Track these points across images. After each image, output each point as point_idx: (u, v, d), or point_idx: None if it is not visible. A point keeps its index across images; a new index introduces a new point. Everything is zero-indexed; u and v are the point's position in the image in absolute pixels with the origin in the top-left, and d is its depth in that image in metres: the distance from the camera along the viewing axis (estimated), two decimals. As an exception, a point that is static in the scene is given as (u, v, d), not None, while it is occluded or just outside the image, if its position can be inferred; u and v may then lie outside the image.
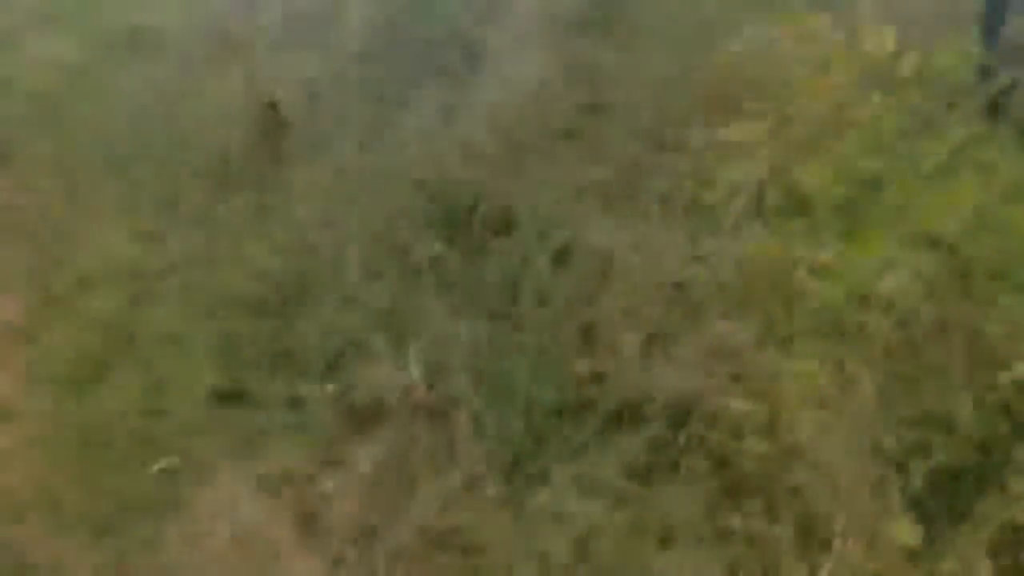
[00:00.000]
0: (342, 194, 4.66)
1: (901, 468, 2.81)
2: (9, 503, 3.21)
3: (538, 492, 3.13)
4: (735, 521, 2.88)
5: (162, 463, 3.35)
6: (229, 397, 3.78)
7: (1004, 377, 2.74)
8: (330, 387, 3.70)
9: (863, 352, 2.99)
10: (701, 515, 2.93)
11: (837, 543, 2.29)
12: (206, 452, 3.46)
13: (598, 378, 3.63)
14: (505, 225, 4.46)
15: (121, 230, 4.98)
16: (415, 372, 3.57)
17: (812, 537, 2.68)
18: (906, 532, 2.03)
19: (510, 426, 3.40)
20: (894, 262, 2.60)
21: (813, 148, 3.81)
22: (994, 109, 3.85)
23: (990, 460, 2.81)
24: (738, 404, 2.82)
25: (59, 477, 3.29)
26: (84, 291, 4.37)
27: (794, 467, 2.86)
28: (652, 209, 4.52)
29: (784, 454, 2.88)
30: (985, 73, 4.00)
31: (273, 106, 5.33)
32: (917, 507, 2.60)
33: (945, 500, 2.73)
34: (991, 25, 4.15)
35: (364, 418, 3.55)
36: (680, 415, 3.37)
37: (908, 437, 2.85)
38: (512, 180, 4.72)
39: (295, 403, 3.70)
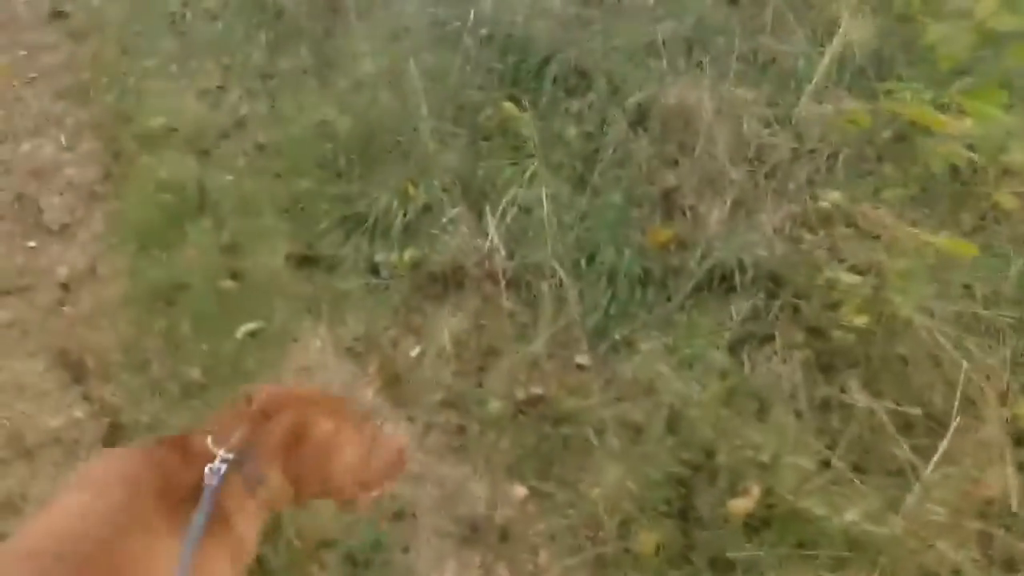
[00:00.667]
0: (406, 49, 4.43)
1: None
2: (100, 362, 3.21)
3: (626, 362, 3.06)
4: (832, 393, 2.80)
5: (248, 326, 3.31)
6: (305, 261, 3.71)
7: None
8: (408, 253, 3.61)
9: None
10: (797, 387, 2.86)
11: (954, 423, 2.20)
12: (288, 316, 3.41)
13: (682, 245, 3.51)
14: (579, 84, 4.25)
15: (182, 86, 4.82)
16: (495, 239, 3.46)
17: (915, 414, 2.60)
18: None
19: (594, 294, 3.30)
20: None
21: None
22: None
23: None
24: (841, 275, 2.67)
25: (147, 339, 3.27)
26: (152, 149, 4.26)
27: (896, 340, 2.75)
28: (730, 66, 4.28)
29: (885, 327, 2.76)
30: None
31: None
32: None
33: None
34: None
35: (444, 285, 3.48)
36: (772, 285, 3.26)
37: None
38: (583, 34, 4.47)
39: (373, 268, 3.62)
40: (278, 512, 1.99)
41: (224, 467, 1.69)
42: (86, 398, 3.11)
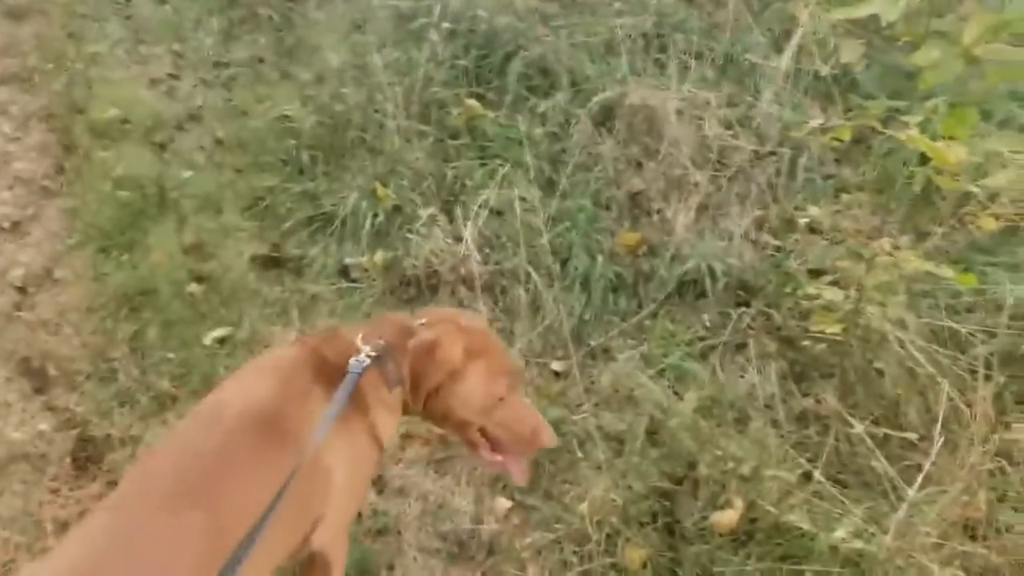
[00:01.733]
0: (369, 43, 4.29)
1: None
2: (64, 371, 3.04)
3: (604, 370, 3.02)
4: (809, 405, 2.81)
5: (217, 332, 3.17)
6: (272, 263, 3.57)
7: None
8: (379, 255, 3.50)
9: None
10: (774, 398, 2.86)
11: (937, 443, 2.21)
12: (257, 321, 3.28)
13: (651, 250, 3.48)
14: (542, 82, 4.17)
15: (133, 74, 4.60)
16: (469, 243, 3.38)
17: (892, 425, 2.62)
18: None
19: (568, 300, 3.25)
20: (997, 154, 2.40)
21: None
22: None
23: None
24: (823, 291, 2.67)
25: (112, 346, 3.10)
26: (106, 142, 4.04)
27: (870, 352, 2.77)
28: (690, 65, 4.25)
29: (859, 339, 2.77)
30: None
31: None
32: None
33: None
34: None
35: (417, 289, 3.38)
36: (743, 293, 3.25)
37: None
38: (544, 30, 4.38)
39: (343, 271, 3.51)
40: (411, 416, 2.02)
41: (367, 361, 1.85)
42: (50, 409, 2.95)
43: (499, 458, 2.03)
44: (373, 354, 1.87)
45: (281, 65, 4.56)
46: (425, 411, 1.98)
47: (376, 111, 4.00)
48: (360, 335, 1.92)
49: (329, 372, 1.84)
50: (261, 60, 4.68)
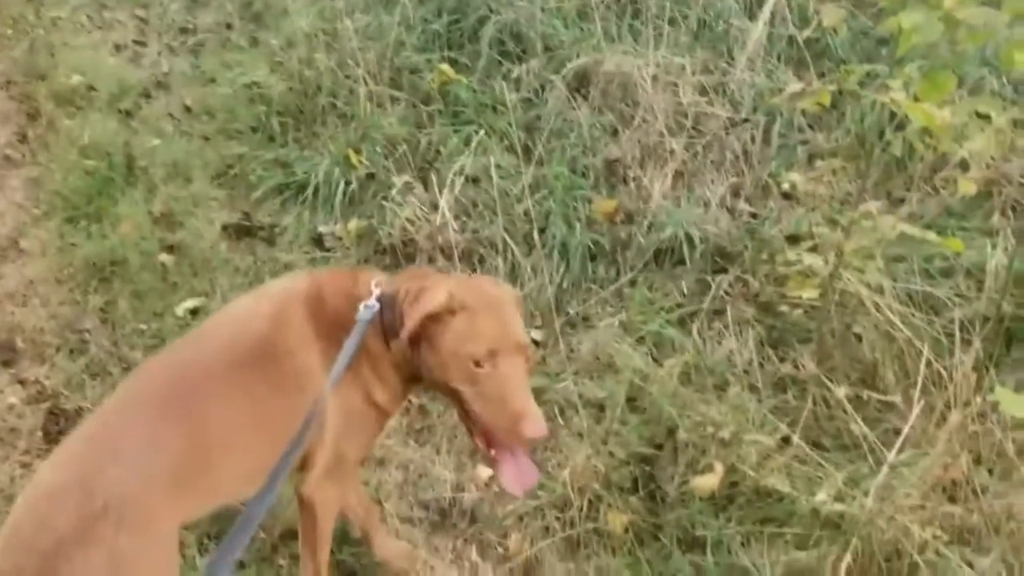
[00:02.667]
0: (340, 7, 4.18)
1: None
2: (33, 344, 2.96)
3: (584, 338, 3.00)
4: (787, 370, 2.81)
5: (189, 303, 3.10)
6: (244, 232, 3.49)
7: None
8: (353, 223, 3.44)
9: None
10: (751, 363, 2.86)
11: (916, 407, 2.22)
12: (230, 291, 3.21)
13: (629, 218, 3.45)
14: (515, 48, 4.09)
15: (96, 40, 4.46)
16: (445, 211, 3.32)
17: (870, 389, 2.63)
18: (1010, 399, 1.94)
19: (547, 268, 3.22)
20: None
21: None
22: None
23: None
24: (804, 256, 2.65)
25: (82, 318, 3.02)
26: (72, 110, 3.92)
27: (846, 317, 2.77)
28: (663, 31, 4.19)
29: (836, 304, 2.77)
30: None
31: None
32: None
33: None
34: None
35: (393, 257, 3.33)
36: (720, 260, 3.24)
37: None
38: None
39: (317, 239, 3.44)
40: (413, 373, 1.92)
41: (376, 307, 1.82)
42: (20, 382, 2.87)
43: (493, 451, 1.83)
44: (375, 305, 1.83)
45: (249, 30, 4.44)
46: (421, 370, 1.87)
47: (347, 77, 3.91)
48: (375, 280, 1.88)
49: (327, 312, 1.84)
50: (229, 26, 4.55)
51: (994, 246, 2.96)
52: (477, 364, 1.76)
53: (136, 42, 4.48)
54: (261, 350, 1.77)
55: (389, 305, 1.84)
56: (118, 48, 4.40)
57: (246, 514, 1.55)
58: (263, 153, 3.79)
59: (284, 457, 1.65)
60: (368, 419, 1.93)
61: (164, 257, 3.28)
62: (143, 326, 3.04)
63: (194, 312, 3.09)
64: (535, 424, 1.73)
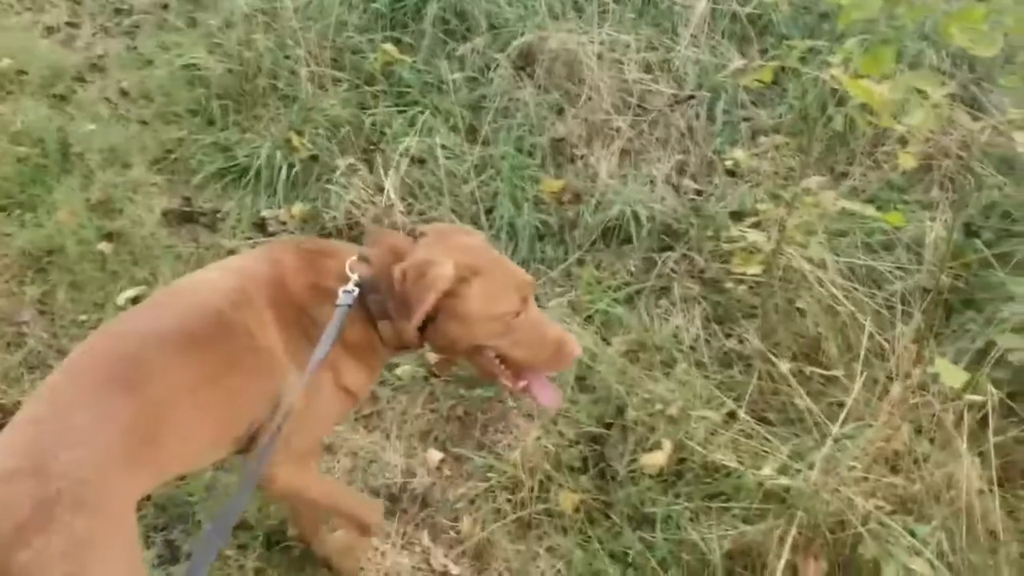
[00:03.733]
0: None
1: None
2: (-28, 337, 2.86)
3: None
4: (732, 345, 2.82)
5: (130, 292, 3.02)
6: (185, 218, 3.41)
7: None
8: (297, 207, 3.37)
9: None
10: (698, 339, 2.87)
11: (859, 379, 2.24)
12: (172, 278, 3.12)
13: (576, 197, 3.44)
14: (459, 26, 4.03)
15: (26, 22, 4.30)
16: (391, 193, 3.28)
17: (814, 363, 2.65)
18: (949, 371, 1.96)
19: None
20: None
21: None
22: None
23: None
24: (748, 233, 2.66)
25: (20, 310, 2.92)
26: (2, 95, 3.78)
27: (791, 291, 2.79)
28: (608, 7, 4.16)
29: (780, 279, 2.79)
30: None
31: None
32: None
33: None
34: None
35: (338, 240, 3.27)
36: (666, 238, 3.24)
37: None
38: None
39: (260, 224, 3.37)
40: (409, 350, 1.91)
41: (355, 293, 1.75)
42: (-46, 378, 2.77)
43: (523, 383, 1.89)
44: (353, 289, 1.76)
45: (186, 11, 4.32)
46: (430, 343, 1.85)
47: (288, 58, 3.83)
48: (350, 261, 1.80)
49: (290, 298, 1.78)
50: (165, 6, 4.43)
51: (933, 219, 2.99)
52: (516, 315, 1.80)
53: (69, 24, 4.33)
54: (217, 327, 1.70)
55: (372, 287, 1.78)
56: (50, 30, 4.25)
57: (227, 506, 1.55)
58: (203, 137, 3.70)
59: (268, 444, 1.65)
60: (334, 403, 1.90)
61: (103, 246, 3.19)
62: (83, 317, 2.95)
63: (135, 301, 3.01)
64: (574, 344, 1.85)
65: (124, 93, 3.95)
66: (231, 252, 3.25)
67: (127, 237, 3.26)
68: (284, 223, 3.34)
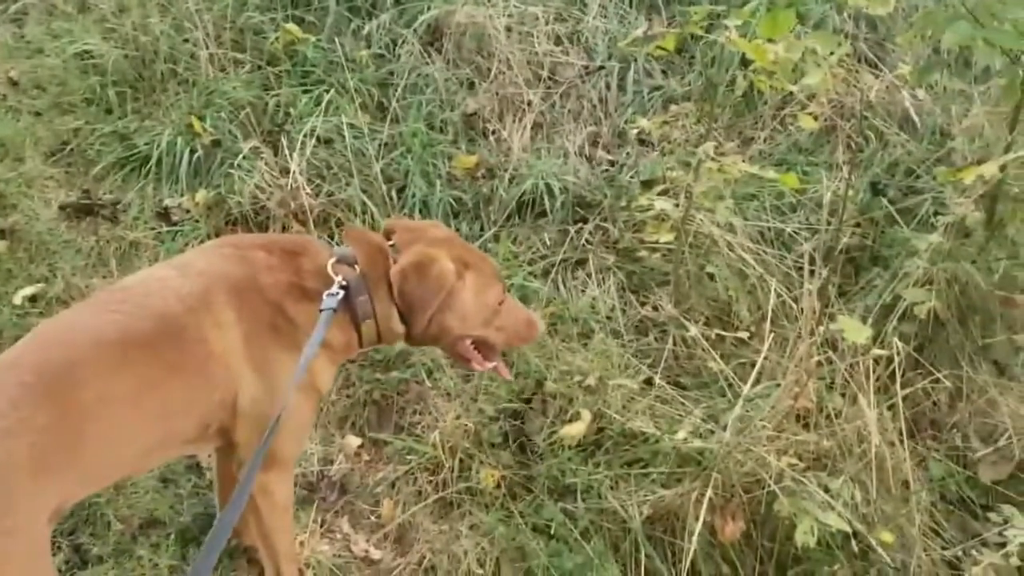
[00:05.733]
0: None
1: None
2: None
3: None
4: (647, 313, 2.84)
5: (27, 290, 2.91)
6: (84, 210, 3.29)
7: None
8: (200, 194, 3.28)
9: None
10: (614, 309, 2.88)
11: (768, 340, 2.28)
12: (72, 274, 3.03)
13: (490, 173, 3.41)
14: (364, 3, 3.96)
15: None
16: (297, 175, 3.21)
17: (725, 325, 2.69)
18: (851, 327, 2.00)
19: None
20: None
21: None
22: None
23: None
24: (656, 202, 2.68)
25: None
26: None
27: (701, 257, 2.82)
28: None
29: (691, 246, 2.81)
30: None
31: None
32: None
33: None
34: None
35: (246, 227, 3.20)
36: (580, 210, 3.24)
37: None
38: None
39: (163, 213, 3.28)
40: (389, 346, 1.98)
41: (340, 294, 1.74)
42: None
43: (492, 364, 1.99)
44: (338, 291, 1.75)
45: (77, -5, 4.15)
46: (414, 337, 1.88)
47: (186, 40, 3.71)
48: (331, 262, 1.78)
49: (261, 304, 1.73)
50: (55, -9, 4.24)
51: (839, 179, 3.05)
52: (501, 303, 1.92)
53: (-49, 12, 4.12)
54: (163, 331, 1.64)
55: (358, 289, 1.78)
56: (-70, 19, 4.05)
57: (219, 523, 1.49)
58: (101, 126, 3.56)
59: (254, 458, 1.58)
60: (314, 405, 1.90)
61: (-4, 244, 3.06)
62: (-20, 319, 2.83)
63: (33, 300, 2.91)
64: (540, 322, 2.04)
65: (14, 83, 3.78)
66: (133, 245, 3.16)
67: (23, 233, 3.14)
68: (188, 211, 3.25)
